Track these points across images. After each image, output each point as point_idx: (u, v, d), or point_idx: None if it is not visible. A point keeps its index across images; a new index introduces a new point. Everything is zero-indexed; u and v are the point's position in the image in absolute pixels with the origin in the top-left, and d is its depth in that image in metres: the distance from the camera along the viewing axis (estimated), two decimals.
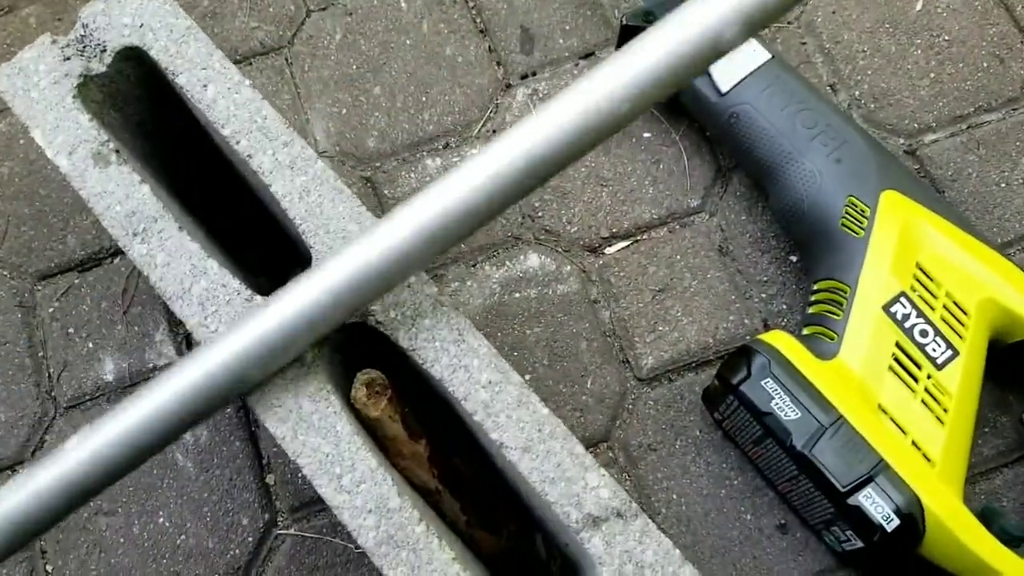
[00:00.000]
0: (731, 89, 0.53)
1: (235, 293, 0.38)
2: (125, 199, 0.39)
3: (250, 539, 0.52)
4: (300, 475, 0.53)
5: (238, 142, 0.40)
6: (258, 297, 0.38)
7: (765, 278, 0.56)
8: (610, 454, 0.53)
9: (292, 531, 0.52)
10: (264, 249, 0.50)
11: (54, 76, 0.41)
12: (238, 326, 0.33)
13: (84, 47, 0.42)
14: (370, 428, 0.38)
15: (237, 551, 0.52)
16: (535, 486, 0.35)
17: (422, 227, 0.32)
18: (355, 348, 0.40)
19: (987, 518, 0.49)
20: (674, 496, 0.52)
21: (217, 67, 0.41)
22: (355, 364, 0.39)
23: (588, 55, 0.62)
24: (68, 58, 0.42)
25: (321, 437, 0.36)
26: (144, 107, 0.46)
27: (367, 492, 0.35)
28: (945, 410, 0.46)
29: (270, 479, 0.53)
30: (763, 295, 0.55)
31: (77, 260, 0.58)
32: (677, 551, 0.34)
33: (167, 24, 0.42)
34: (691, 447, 0.52)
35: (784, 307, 0.55)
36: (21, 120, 0.41)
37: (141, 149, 0.46)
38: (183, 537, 0.52)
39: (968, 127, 0.58)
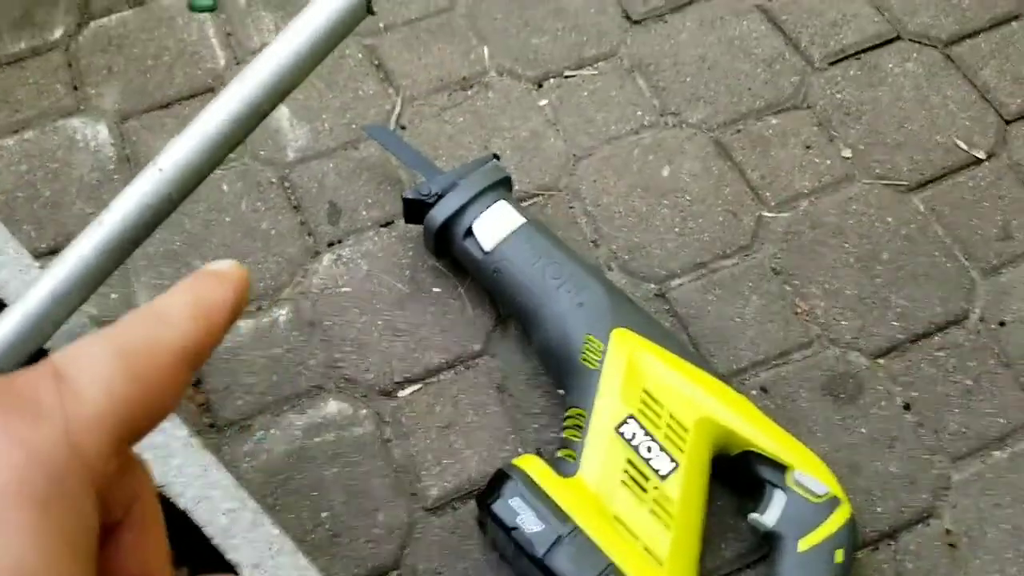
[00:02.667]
0: (493, 248, 0.62)
1: None
2: None
3: None
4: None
5: None
6: None
7: (537, 410, 0.63)
8: None
9: None
10: None
11: None
12: None
13: None
14: None
15: None
16: None
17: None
18: None
19: None
20: None
21: (11, 252, 0.48)
22: None
23: (387, 223, 0.71)
24: None
25: None
26: None
27: None
28: (671, 516, 0.53)
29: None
30: (536, 425, 0.63)
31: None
32: None
33: None
34: (472, 569, 0.58)
35: (552, 435, 0.62)
36: None
37: None
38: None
39: (708, 272, 0.68)
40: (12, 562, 0.14)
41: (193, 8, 0.82)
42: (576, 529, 0.51)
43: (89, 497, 0.17)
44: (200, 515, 0.42)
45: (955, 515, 0.60)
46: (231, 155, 0.68)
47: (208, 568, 0.47)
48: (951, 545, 0.58)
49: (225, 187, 0.72)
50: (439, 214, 0.63)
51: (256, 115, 0.45)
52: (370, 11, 0.47)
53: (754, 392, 0.63)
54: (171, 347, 0.20)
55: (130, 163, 0.73)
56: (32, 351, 0.43)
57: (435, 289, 0.68)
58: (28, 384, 0.17)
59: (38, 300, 0.42)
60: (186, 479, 0.42)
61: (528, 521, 0.52)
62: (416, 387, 0.64)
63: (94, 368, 0.18)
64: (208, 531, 0.41)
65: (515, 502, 0.53)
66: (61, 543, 0.15)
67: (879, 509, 0.60)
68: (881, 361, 0.65)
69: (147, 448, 0.43)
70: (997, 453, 0.62)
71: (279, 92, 0.45)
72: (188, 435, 0.43)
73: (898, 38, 0.81)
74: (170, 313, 0.21)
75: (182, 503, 0.42)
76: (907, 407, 0.63)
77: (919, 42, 0.81)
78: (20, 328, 0.41)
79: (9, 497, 0.15)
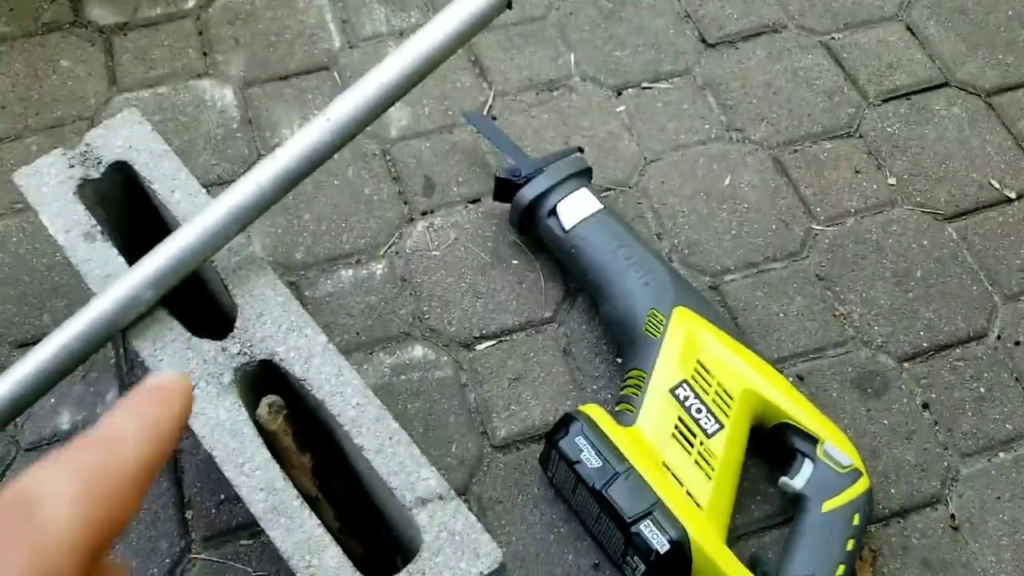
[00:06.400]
0: (572, 228, 0.70)
1: (178, 334, 0.52)
2: (104, 265, 0.54)
3: (167, 561, 0.63)
4: (213, 511, 0.65)
5: None
6: (194, 338, 0.52)
7: (596, 374, 0.71)
8: (466, 505, 0.66)
9: (202, 556, 0.63)
10: (202, 319, 0.65)
11: (60, 178, 0.57)
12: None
13: (85, 159, 0.58)
14: (268, 440, 0.52)
15: (155, 570, 0.63)
16: (384, 477, 0.48)
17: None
18: (264, 384, 0.54)
19: (754, 562, 0.63)
20: (513, 539, 0.65)
21: (183, 178, 0.57)
22: (263, 396, 0.53)
23: (475, 200, 0.80)
24: (72, 166, 0.57)
25: (230, 436, 0.49)
26: (123, 210, 0.61)
27: (260, 475, 0.48)
28: (713, 469, 0.61)
29: (188, 515, 0.65)
30: (594, 387, 0.71)
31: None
32: (479, 524, 0.47)
33: (149, 147, 0.58)
34: (529, 501, 0.66)
35: (609, 396, 0.70)
36: (33, 207, 0.56)
37: (116, 243, 0.61)
38: (110, 557, 0.63)
39: (758, 271, 0.76)
40: None
41: None
42: (631, 469, 0.59)
43: None
44: (334, 406, 0.50)
45: (960, 504, 0.67)
46: None
47: (326, 457, 0.56)
48: (954, 528, 0.66)
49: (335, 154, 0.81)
50: (528, 193, 0.72)
51: (410, 82, 0.54)
52: (509, 6, 0.56)
53: (791, 379, 0.71)
54: (129, 468, 0.21)
55: (251, 125, 0.83)
56: (209, 256, 0.52)
57: (514, 261, 0.76)
58: (2, 522, 0.19)
59: (218, 215, 0.51)
60: (324, 376, 0.51)
61: (590, 458, 0.60)
62: (491, 343, 0.72)
63: (59, 497, 0.19)
64: (340, 419, 0.50)
65: (579, 440, 0.61)
66: None
67: (893, 491, 0.67)
68: (906, 364, 0.72)
69: (292, 350, 0.52)
70: (1003, 454, 0.69)
71: (430, 65, 0.54)
72: (326, 341, 0.52)
73: (946, 84, 0.89)
74: (124, 436, 0.22)
75: (320, 395, 0.50)
76: (926, 406, 0.71)
77: (965, 90, 0.89)
78: (199, 239, 0.50)
79: None
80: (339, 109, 0.52)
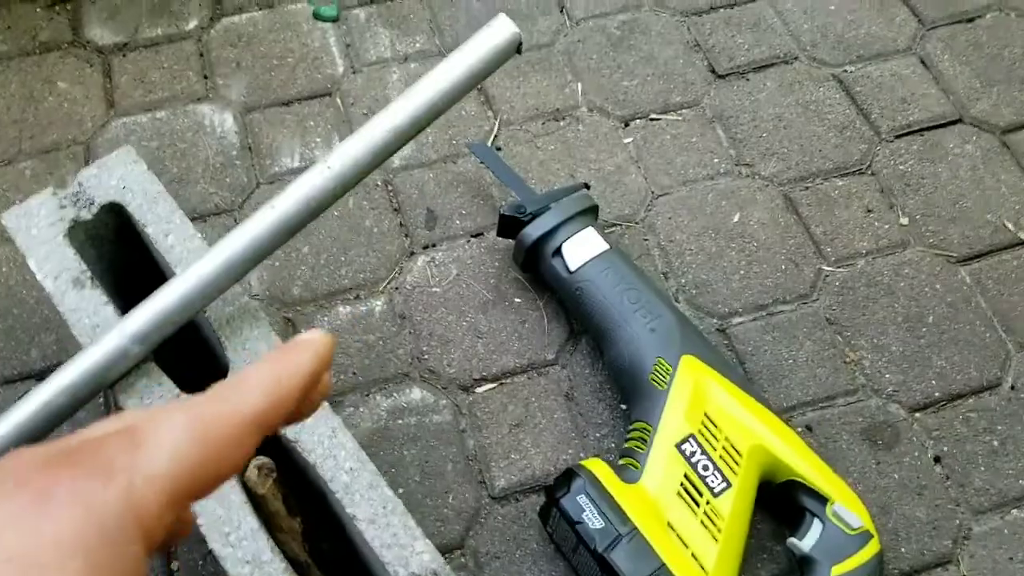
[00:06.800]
0: (578, 269, 0.68)
1: (167, 390, 0.50)
2: (92, 315, 0.52)
3: None
4: (199, 563, 0.63)
5: None
6: (183, 395, 0.50)
7: (600, 421, 0.69)
8: (462, 559, 0.64)
9: None
10: (196, 368, 0.63)
11: (51, 219, 0.55)
12: None
13: (77, 200, 0.56)
14: (257, 503, 0.50)
15: None
16: (376, 550, 0.46)
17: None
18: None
19: None
20: None
21: (177, 222, 0.55)
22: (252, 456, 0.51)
23: (478, 234, 0.78)
24: (64, 207, 0.55)
25: (216, 502, 0.47)
26: (115, 249, 0.59)
27: (247, 546, 0.46)
28: (719, 530, 0.59)
29: (175, 566, 0.63)
30: (597, 435, 0.69)
31: (37, 370, 0.69)
32: None
33: (143, 188, 0.56)
34: (528, 557, 0.64)
35: (612, 445, 0.68)
36: (21, 250, 0.54)
37: (107, 284, 0.59)
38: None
39: (767, 314, 0.74)
40: None
41: (317, 17, 0.89)
42: (634, 530, 0.57)
43: (136, 544, 0.19)
44: (326, 471, 0.48)
45: (972, 564, 0.65)
46: None
47: (317, 518, 0.54)
48: None
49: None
50: (533, 232, 0.70)
51: (415, 128, 0.52)
52: (519, 51, 0.54)
53: (799, 430, 0.69)
54: (238, 417, 0.22)
55: (251, 152, 0.81)
56: (200, 309, 0.50)
57: (516, 300, 0.74)
58: (106, 446, 0.20)
59: (212, 267, 0.49)
60: (316, 438, 0.49)
61: (592, 518, 0.58)
62: (492, 386, 0.70)
63: (167, 434, 0.20)
64: (332, 485, 0.48)
65: (582, 499, 0.59)
66: None
67: (903, 550, 0.65)
68: (918, 415, 0.70)
69: None
70: (1015, 512, 0.67)
71: (436, 111, 0.52)
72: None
73: (960, 121, 0.87)
74: (246, 385, 0.23)
75: (312, 458, 0.48)
76: (937, 460, 0.69)
77: (979, 127, 0.87)
78: (191, 292, 0.48)
79: (64, 547, 0.18)
80: (341, 156, 0.50)
